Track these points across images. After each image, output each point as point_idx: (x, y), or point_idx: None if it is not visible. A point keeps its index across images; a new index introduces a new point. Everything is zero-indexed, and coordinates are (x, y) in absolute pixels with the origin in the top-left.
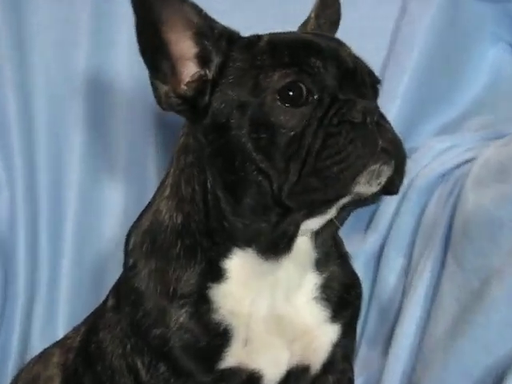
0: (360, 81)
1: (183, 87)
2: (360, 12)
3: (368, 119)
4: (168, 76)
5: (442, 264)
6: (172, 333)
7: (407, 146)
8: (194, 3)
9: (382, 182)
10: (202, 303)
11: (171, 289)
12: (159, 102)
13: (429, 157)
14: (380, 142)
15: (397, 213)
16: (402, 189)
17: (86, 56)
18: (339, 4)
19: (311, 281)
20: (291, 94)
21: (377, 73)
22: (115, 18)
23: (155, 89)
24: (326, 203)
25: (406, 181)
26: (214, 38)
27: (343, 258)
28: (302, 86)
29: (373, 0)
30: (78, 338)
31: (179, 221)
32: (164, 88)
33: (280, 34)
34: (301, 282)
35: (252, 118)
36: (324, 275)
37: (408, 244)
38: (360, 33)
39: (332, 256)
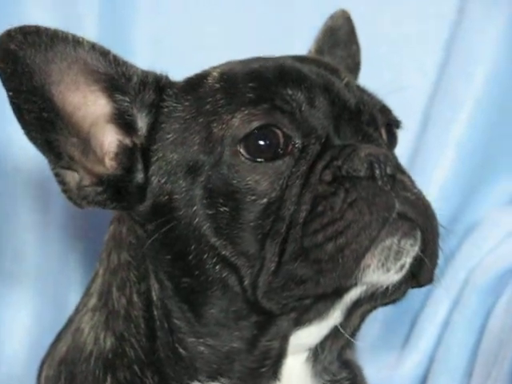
0: (367, 121)
1: (101, 168)
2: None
3: (377, 172)
4: (76, 158)
5: None
6: None
7: (461, 220)
8: (94, 44)
9: (406, 265)
10: None
11: None
12: (70, 198)
13: (496, 237)
14: (396, 205)
15: (447, 323)
16: (454, 286)
17: None
18: (357, 46)
19: None
20: (261, 143)
21: (411, 110)
22: None
23: (61, 181)
24: (322, 301)
25: (461, 273)
26: (133, 90)
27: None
28: (277, 130)
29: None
30: None
31: (108, 345)
32: (73, 177)
33: (240, 61)
34: None
35: (206, 186)
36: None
37: (463, 370)
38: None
39: None
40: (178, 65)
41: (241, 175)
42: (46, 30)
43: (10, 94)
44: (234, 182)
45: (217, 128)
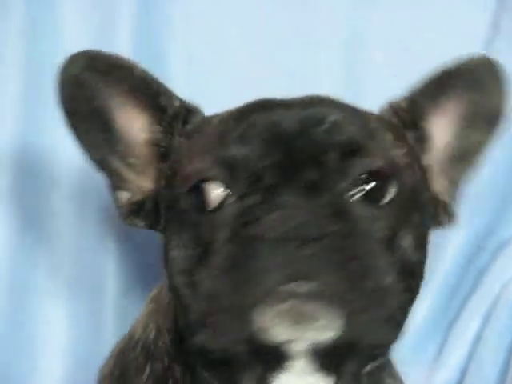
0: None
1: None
2: None
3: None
4: (130, 178)
5: None
6: None
7: (495, 234)
8: (145, 70)
9: (315, 325)
10: None
11: None
12: (121, 214)
13: None
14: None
15: (478, 338)
16: (487, 300)
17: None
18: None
19: None
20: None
21: None
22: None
23: (115, 196)
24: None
25: (494, 288)
26: (166, 121)
27: None
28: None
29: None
30: None
31: (151, 335)
32: (125, 194)
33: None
34: None
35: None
36: None
37: None
38: None
39: None
40: (211, 79)
41: (179, 224)
42: (107, 55)
43: (67, 116)
44: (178, 229)
45: (185, 171)
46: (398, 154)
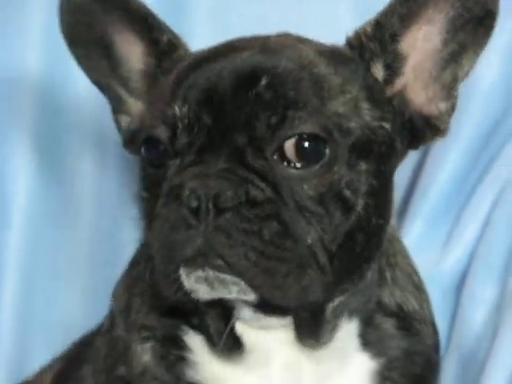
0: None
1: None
2: None
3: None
4: (131, 103)
5: None
6: (135, 376)
7: (506, 123)
8: (142, 3)
9: (232, 292)
10: (171, 344)
11: (131, 316)
12: (122, 139)
13: None
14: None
15: (488, 219)
16: (496, 185)
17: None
18: None
19: (359, 369)
20: (148, 152)
21: None
22: None
23: (117, 122)
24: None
25: (503, 173)
26: (159, 53)
27: (402, 318)
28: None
29: None
30: (48, 377)
31: None
32: (126, 120)
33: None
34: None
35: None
36: (380, 360)
37: (502, 266)
38: None
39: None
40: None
41: (141, 170)
42: None
43: (69, 42)
44: (141, 175)
45: (144, 119)
46: (342, 102)
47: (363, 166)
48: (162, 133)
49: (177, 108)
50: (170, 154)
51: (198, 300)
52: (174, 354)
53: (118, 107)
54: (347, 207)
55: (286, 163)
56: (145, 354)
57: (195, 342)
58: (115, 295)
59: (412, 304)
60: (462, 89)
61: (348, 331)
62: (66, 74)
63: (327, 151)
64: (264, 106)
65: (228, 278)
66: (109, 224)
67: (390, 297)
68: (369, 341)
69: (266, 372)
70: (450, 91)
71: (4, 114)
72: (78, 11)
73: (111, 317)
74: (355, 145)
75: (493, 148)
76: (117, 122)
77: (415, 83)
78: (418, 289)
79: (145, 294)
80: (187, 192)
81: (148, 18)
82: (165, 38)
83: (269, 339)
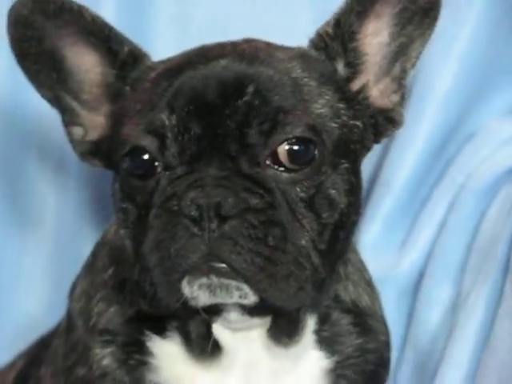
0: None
1: (100, 127)
2: None
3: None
4: (82, 114)
5: (501, 295)
6: (95, 378)
7: (462, 129)
8: (95, 16)
9: (233, 297)
10: (133, 349)
11: (92, 319)
12: (75, 150)
13: (491, 146)
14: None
15: (444, 222)
16: (451, 190)
17: None
18: None
19: (312, 366)
20: (132, 164)
21: None
22: None
23: (69, 133)
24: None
25: (459, 178)
26: (119, 64)
27: (358, 314)
28: (146, 152)
29: None
30: (11, 375)
31: (119, 242)
32: (78, 131)
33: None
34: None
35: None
36: (334, 358)
37: (457, 267)
38: None
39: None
40: (198, 40)
41: (123, 182)
42: None
43: (18, 57)
44: (123, 186)
45: (124, 130)
46: (322, 104)
47: (344, 164)
48: (150, 143)
49: (164, 117)
50: (157, 163)
51: (192, 306)
52: (135, 358)
53: (70, 120)
54: (333, 206)
55: (278, 167)
56: (105, 357)
57: (158, 346)
58: (73, 297)
59: (365, 300)
60: (418, 94)
61: (306, 328)
62: (21, 90)
63: (316, 153)
64: (254, 113)
65: (232, 283)
66: (70, 233)
67: (345, 292)
68: (324, 337)
69: (227, 369)
70: (399, 83)
71: None
72: (27, 25)
73: (69, 318)
74: (337, 145)
75: (448, 153)
76: (69, 134)
77: (370, 78)
78: (369, 285)
79: (109, 299)
80: (188, 202)
81: (104, 29)
82: (125, 49)
83: (239, 339)
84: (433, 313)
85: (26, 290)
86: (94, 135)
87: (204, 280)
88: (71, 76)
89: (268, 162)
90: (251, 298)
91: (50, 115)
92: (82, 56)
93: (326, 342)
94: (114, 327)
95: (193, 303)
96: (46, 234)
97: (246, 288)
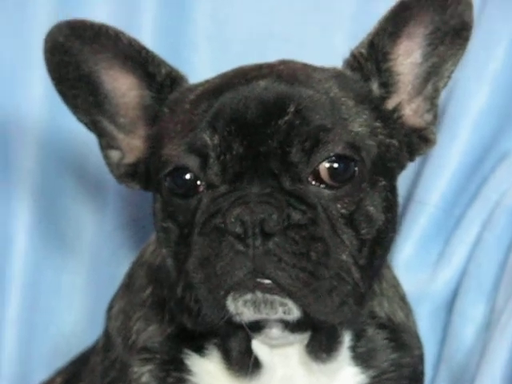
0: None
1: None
2: None
3: (249, 233)
4: (120, 137)
5: None
6: None
7: (496, 148)
8: (132, 39)
9: (278, 312)
10: (172, 367)
11: (131, 338)
12: (113, 173)
13: None
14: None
15: (478, 240)
16: (486, 207)
17: None
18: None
19: (348, 381)
20: (174, 184)
21: None
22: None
23: (106, 157)
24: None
25: (493, 196)
26: (156, 87)
27: (393, 330)
28: (189, 171)
29: None
30: None
31: (158, 261)
32: (116, 154)
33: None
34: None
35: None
36: (370, 373)
37: (491, 284)
38: None
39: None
40: (236, 60)
41: (165, 201)
42: (92, 23)
43: (55, 82)
44: (165, 206)
45: (164, 151)
46: (360, 123)
47: (382, 182)
48: (192, 162)
49: (206, 137)
50: (199, 182)
51: (235, 323)
52: (174, 376)
53: (107, 143)
54: (371, 223)
55: (319, 185)
56: (144, 375)
57: (197, 364)
58: (110, 316)
59: (399, 315)
60: (452, 114)
61: (343, 344)
62: (59, 114)
63: (356, 170)
64: (296, 132)
65: (277, 299)
66: (107, 254)
67: (380, 308)
68: (359, 353)
69: None
70: (432, 102)
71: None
72: (64, 51)
73: (106, 336)
74: (375, 162)
75: (482, 172)
76: (106, 157)
77: (403, 98)
78: (403, 300)
79: (147, 317)
80: (232, 219)
81: (141, 52)
82: (163, 71)
83: (277, 355)
84: (467, 330)
85: (63, 309)
86: (131, 158)
87: (249, 296)
88: (108, 100)
89: (309, 179)
90: (295, 314)
91: (87, 138)
92: (118, 80)
93: (361, 357)
94: (153, 345)
95: (237, 319)
96: (83, 255)
97: (290, 303)
